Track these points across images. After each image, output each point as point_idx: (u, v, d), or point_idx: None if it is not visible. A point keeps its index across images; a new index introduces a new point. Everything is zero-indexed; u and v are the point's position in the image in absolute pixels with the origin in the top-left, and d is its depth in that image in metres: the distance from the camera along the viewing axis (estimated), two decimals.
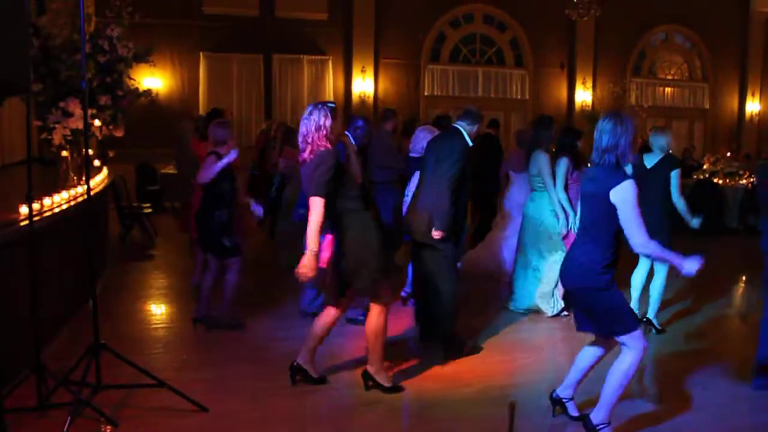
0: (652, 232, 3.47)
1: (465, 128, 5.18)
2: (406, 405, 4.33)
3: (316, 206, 4.01)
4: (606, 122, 3.56)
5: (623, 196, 3.41)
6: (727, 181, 12.00)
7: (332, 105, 4.23)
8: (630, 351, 3.61)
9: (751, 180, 11.64)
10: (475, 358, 5.13)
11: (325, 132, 4.10)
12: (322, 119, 4.11)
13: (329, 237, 4.32)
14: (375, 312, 4.31)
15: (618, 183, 3.42)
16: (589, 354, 3.90)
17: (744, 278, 8.37)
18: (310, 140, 4.12)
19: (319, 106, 4.18)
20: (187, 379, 4.38)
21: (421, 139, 6.26)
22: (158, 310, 6.47)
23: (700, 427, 4.08)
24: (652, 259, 3.46)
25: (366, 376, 4.43)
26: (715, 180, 12.08)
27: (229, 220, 5.51)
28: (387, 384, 4.41)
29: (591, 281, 3.56)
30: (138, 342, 5.34)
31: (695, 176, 12.52)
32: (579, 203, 3.88)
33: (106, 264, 7.46)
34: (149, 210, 9.67)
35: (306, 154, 4.12)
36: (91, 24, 6.69)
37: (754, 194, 11.31)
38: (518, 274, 6.41)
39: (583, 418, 3.80)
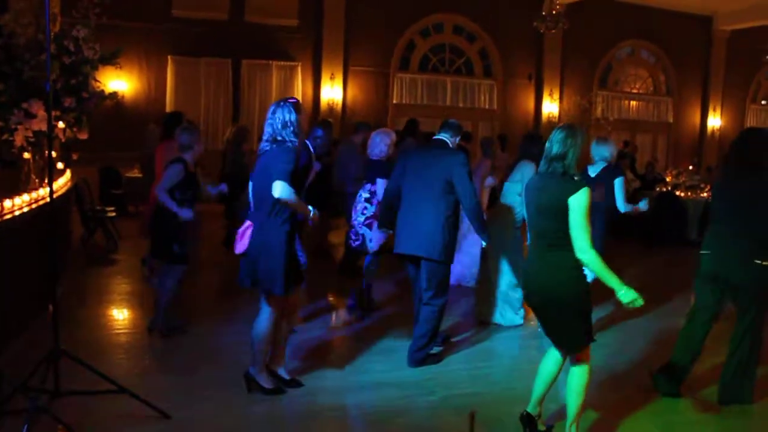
0: (593, 241, 3.51)
1: (449, 140, 5.22)
2: (367, 413, 4.32)
3: (285, 187, 3.99)
4: (558, 132, 3.60)
5: (581, 202, 3.44)
6: (689, 193, 12.23)
7: (294, 100, 4.27)
8: (582, 365, 3.67)
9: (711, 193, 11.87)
10: (438, 366, 5.14)
11: (292, 128, 4.15)
12: (287, 115, 4.15)
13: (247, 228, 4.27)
14: (266, 315, 4.32)
15: (577, 190, 3.46)
16: (549, 363, 3.91)
17: None
18: (279, 138, 4.14)
19: (282, 103, 4.22)
20: (148, 386, 4.32)
21: (378, 143, 6.26)
22: (120, 316, 6.38)
23: None
24: (590, 267, 3.48)
25: (249, 378, 4.41)
26: (678, 192, 12.31)
27: (183, 227, 5.44)
28: (268, 386, 4.40)
29: (570, 289, 3.57)
30: (99, 348, 5.25)
31: (658, 189, 12.75)
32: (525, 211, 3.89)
33: (67, 268, 7.34)
34: (113, 214, 9.52)
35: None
36: (57, 24, 6.58)
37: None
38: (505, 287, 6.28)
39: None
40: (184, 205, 5.32)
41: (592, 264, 3.44)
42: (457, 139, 5.29)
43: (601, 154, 5.91)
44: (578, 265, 3.52)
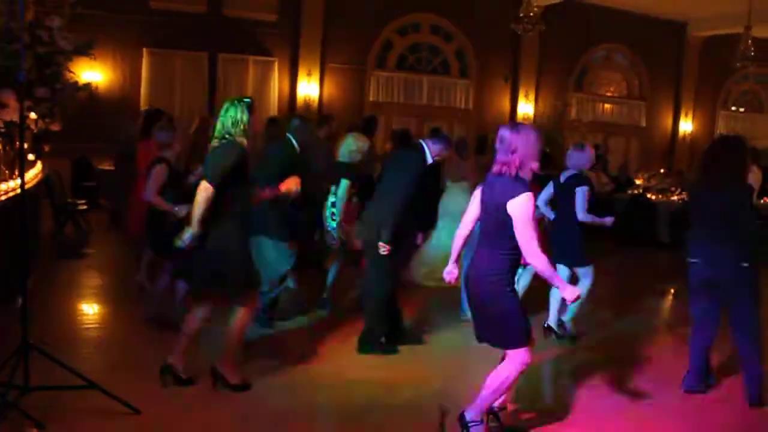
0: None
1: (429, 146, 5.30)
2: (336, 412, 4.32)
3: (206, 191, 4.02)
4: (506, 132, 3.60)
5: (519, 209, 3.46)
6: (660, 196, 12.41)
7: (249, 100, 4.28)
8: (512, 363, 3.70)
9: (682, 196, 12.07)
10: (409, 362, 5.17)
11: (242, 127, 4.15)
12: (240, 114, 4.15)
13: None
14: (244, 314, 4.35)
15: (517, 194, 3.48)
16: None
17: (672, 291, 8.66)
18: (227, 136, 4.14)
19: (236, 102, 4.23)
20: (119, 381, 4.26)
21: (349, 144, 6.27)
22: (90, 310, 6.31)
23: None
24: (542, 273, 3.56)
25: (216, 373, 4.41)
26: (649, 195, 12.49)
27: (181, 222, 5.40)
28: (234, 381, 4.42)
29: (493, 287, 3.61)
30: (68, 342, 5.19)
31: (630, 191, 12.92)
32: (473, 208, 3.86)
33: (37, 261, 7.23)
34: (84, 207, 9.41)
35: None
36: (30, 13, 6.49)
37: (686, 209, 11.76)
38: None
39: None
40: (176, 202, 5.31)
41: (541, 270, 3.55)
42: (439, 147, 5.39)
43: (573, 161, 5.90)
44: (503, 266, 3.62)
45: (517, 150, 3.54)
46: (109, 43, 12.62)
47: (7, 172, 5.87)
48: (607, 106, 18.34)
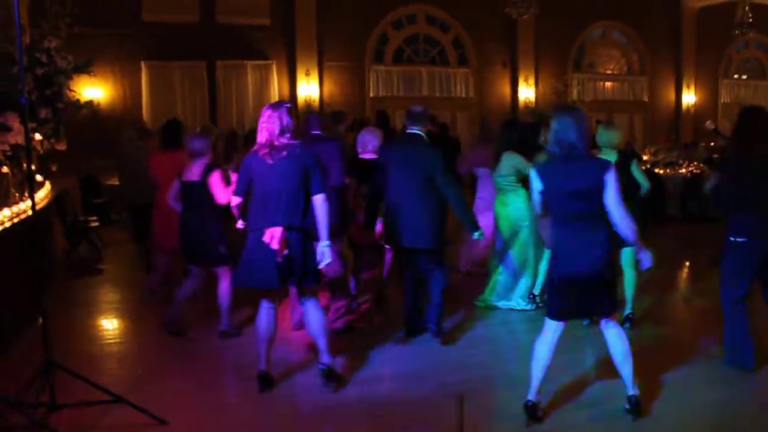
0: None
1: (423, 132, 5.30)
2: (361, 406, 4.33)
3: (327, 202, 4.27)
4: (566, 117, 3.76)
5: (613, 178, 3.69)
6: (668, 170, 12.34)
7: (289, 104, 4.31)
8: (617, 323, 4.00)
9: (690, 169, 12.01)
10: (431, 354, 5.18)
11: (289, 133, 4.19)
12: (286, 119, 4.17)
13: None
14: (317, 306, 4.47)
15: (608, 167, 3.71)
16: (544, 349, 3.97)
17: (687, 264, 8.63)
18: (277, 142, 4.16)
19: (278, 106, 4.24)
20: (143, 393, 4.31)
21: (369, 141, 6.22)
22: (110, 325, 6.35)
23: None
24: (630, 239, 3.82)
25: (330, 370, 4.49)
26: (656, 170, 12.42)
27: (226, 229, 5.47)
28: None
29: (608, 257, 3.83)
30: (91, 358, 5.23)
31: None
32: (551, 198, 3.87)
33: (53, 280, 7.29)
34: (96, 224, 9.46)
35: (269, 156, 4.18)
36: (27, 35, 6.52)
37: (695, 183, 11.70)
38: (508, 272, 6.36)
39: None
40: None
41: (633, 236, 3.79)
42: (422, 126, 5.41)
43: (608, 139, 5.73)
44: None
45: (579, 131, 3.71)
46: (107, 60, 12.70)
47: (17, 194, 5.92)
48: (608, 84, 18.28)
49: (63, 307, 6.65)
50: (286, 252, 4.19)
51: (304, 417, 4.20)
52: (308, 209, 4.27)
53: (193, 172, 5.42)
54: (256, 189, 4.31)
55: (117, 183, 10.86)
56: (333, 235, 4.82)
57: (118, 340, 5.87)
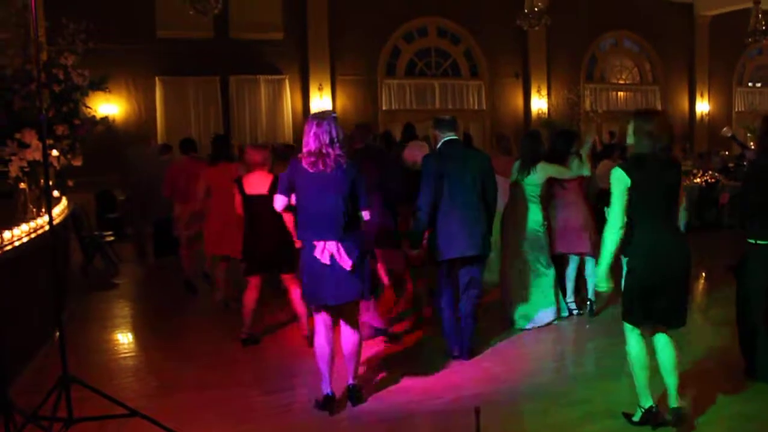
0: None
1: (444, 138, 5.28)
2: (375, 419, 4.32)
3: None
4: (660, 117, 3.91)
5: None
6: (683, 180, 12.27)
7: (335, 114, 4.30)
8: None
9: (705, 178, 11.95)
10: (444, 369, 5.16)
11: (338, 144, 4.18)
12: (335, 131, 4.17)
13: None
14: (356, 326, 4.46)
15: (679, 168, 3.96)
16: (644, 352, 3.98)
17: (704, 274, 8.55)
18: (325, 151, 4.13)
19: (325, 116, 4.22)
20: (160, 407, 4.33)
21: (419, 155, 6.16)
22: (125, 339, 6.39)
23: None
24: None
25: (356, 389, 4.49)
26: None
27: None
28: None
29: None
30: (107, 372, 5.26)
31: None
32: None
33: (69, 295, 7.34)
34: (111, 238, 9.54)
35: (315, 165, 4.15)
36: (44, 52, 6.61)
37: (710, 192, 11.64)
38: (530, 289, 6.18)
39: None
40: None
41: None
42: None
43: None
44: None
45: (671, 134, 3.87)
46: (122, 76, 12.83)
47: (34, 210, 5.98)
48: (620, 93, 18.23)
49: (79, 321, 6.71)
50: (349, 263, 4.19)
51: (314, 430, 4.19)
52: (354, 221, 4.27)
53: (260, 185, 5.53)
54: (304, 200, 4.24)
55: (129, 198, 10.92)
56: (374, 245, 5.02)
57: (133, 354, 5.90)
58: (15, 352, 4.82)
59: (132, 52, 12.93)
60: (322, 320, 4.37)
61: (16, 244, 4.90)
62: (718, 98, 19.06)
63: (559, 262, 6.39)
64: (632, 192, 3.76)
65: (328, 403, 4.35)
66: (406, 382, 4.89)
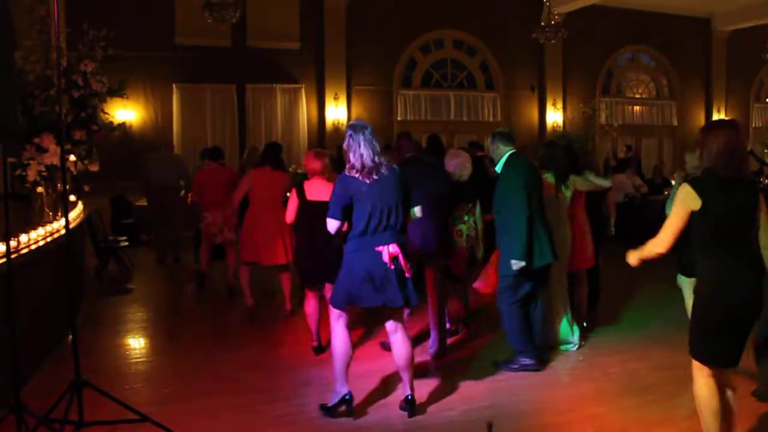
0: None
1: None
2: (383, 429, 4.31)
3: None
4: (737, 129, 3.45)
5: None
6: None
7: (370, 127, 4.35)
8: None
9: None
10: (456, 381, 5.14)
11: (379, 152, 4.25)
12: (376, 141, 4.25)
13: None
14: (406, 336, 4.49)
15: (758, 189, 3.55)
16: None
17: None
18: (378, 160, 4.20)
19: (366, 128, 4.27)
20: (171, 413, 4.34)
21: (465, 165, 6.13)
22: (138, 344, 6.41)
23: None
24: None
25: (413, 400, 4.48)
26: None
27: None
28: None
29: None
30: (119, 376, 5.28)
31: (666, 193, 12.74)
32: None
33: (83, 299, 7.39)
34: (125, 243, 9.60)
35: (369, 176, 4.19)
36: (64, 59, 6.68)
37: None
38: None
39: None
40: None
41: None
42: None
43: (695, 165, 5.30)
44: None
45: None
46: (139, 82, 12.96)
47: (50, 213, 6.04)
48: (636, 108, 18.17)
49: (92, 324, 6.74)
50: (409, 268, 4.26)
51: None
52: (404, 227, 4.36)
53: (321, 192, 5.42)
54: (363, 210, 4.21)
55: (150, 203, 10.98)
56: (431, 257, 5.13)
57: (145, 359, 5.92)
58: (28, 355, 4.85)
59: (150, 59, 13.06)
60: (344, 323, 4.40)
61: (33, 247, 4.94)
62: (735, 114, 18.93)
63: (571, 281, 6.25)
64: (701, 216, 3.37)
65: (348, 406, 4.39)
66: (418, 392, 4.87)
